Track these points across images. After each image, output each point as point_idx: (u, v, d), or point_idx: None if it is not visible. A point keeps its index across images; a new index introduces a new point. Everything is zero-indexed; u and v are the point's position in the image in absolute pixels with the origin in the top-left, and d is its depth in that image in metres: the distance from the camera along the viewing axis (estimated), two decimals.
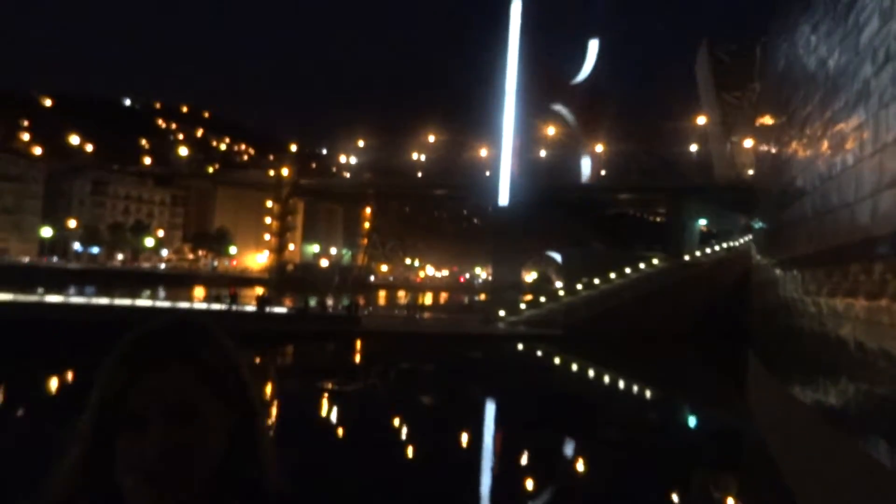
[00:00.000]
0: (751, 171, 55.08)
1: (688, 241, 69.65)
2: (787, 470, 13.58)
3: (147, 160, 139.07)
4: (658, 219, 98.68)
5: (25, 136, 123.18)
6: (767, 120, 23.67)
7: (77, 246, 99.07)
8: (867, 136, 9.50)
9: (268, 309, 36.19)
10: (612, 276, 51.62)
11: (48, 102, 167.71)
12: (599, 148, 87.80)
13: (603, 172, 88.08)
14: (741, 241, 53.20)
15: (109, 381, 1.02)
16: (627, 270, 52.60)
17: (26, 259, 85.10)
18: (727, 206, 68.12)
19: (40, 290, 35.05)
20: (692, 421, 24.07)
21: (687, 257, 57.60)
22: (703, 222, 76.87)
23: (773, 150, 19.94)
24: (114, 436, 0.99)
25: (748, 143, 60.24)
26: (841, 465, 10.19)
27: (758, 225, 26.71)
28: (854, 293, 9.35)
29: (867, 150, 9.46)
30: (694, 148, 78.18)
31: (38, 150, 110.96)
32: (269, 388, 24.27)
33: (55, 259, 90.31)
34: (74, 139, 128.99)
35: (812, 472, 11.87)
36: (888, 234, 8.36)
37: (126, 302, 35.38)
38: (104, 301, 35.13)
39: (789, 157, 15.45)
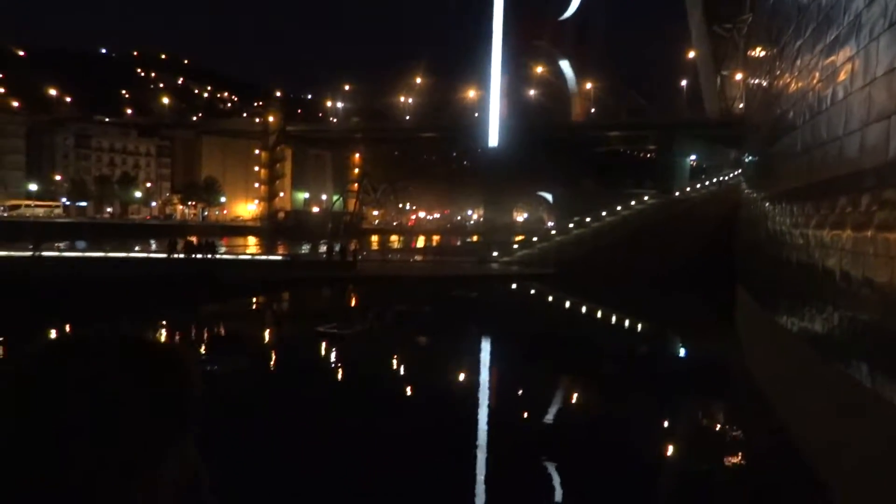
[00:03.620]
0: (741, 106, 54.76)
1: (678, 177, 69.86)
2: (774, 396, 14.21)
3: (128, 111, 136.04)
4: (649, 156, 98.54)
5: (1, 90, 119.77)
6: (758, 53, 23.48)
7: (64, 200, 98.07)
8: (857, 69, 9.58)
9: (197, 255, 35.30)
10: (604, 214, 51.94)
11: (21, 53, 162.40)
12: (588, 86, 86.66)
13: (593, 111, 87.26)
14: (731, 175, 53.43)
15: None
16: (618, 208, 52.90)
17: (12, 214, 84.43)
18: (718, 141, 68.08)
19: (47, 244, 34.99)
20: (681, 352, 24.85)
21: (677, 193, 57.89)
22: (693, 158, 76.92)
23: (764, 84, 19.91)
24: None
25: (739, 76, 59.67)
26: (825, 389, 10.72)
27: (748, 159, 26.86)
28: (841, 225, 9.63)
29: (857, 84, 9.56)
30: (684, 83, 77.35)
31: (15, 104, 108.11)
32: (267, 334, 24.79)
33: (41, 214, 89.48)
34: (52, 91, 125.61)
35: (797, 397, 12.46)
36: (876, 167, 8.57)
37: (120, 254, 35.45)
38: (98, 254, 35.19)
39: (780, 91, 15.48)
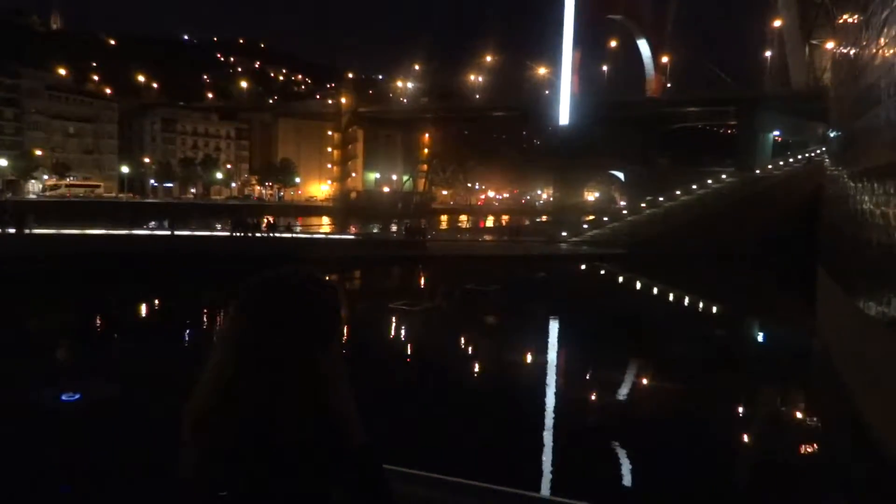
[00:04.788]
0: (830, 77, 51.60)
1: (759, 154, 66.68)
2: (851, 382, 13.74)
3: (209, 95, 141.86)
4: (728, 131, 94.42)
5: (95, 78, 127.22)
6: (847, 20, 22.16)
7: (152, 182, 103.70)
8: None
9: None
10: (678, 193, 50.48)
11: (112, 42, 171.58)
12: (665, 60, 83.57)
13: (669, 85, 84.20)
14: (817, 152, 50.64)
15: (243, 334, 1.22)
16: (693, 187, 51.29)
17: (111, 195, 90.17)
18: (804, 116, 64.34)
19: (152, 223, 37.93)
20: (758, 336, 24.13)
21: (757, 171, 55.45)
22: (776, 134, 73.14)
23: (850, 54, 18.85)
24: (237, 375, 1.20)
25: (829, 45, 56.11)
26: None
27: (832, 135, 25.50)
28: None
29: None
30: (768, 54, 73.30)
31: (108, 91, 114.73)
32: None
33: (133, 196, 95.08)
34: (140, 78, 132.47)
35: (876, 383, 12.02)
36: None
37: (204, 233, 37.48)
38: (185, 233, 37.32)
39: (865, 62, 14.68)
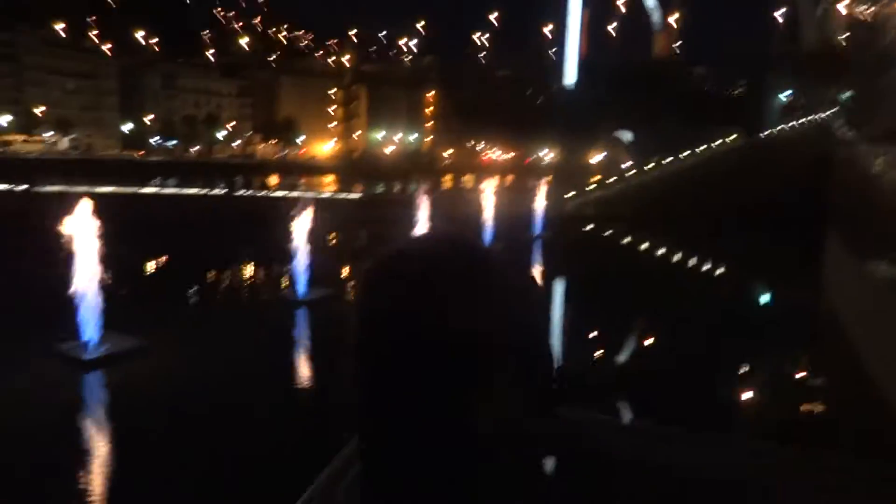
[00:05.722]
0: (843, 38, 50.73)
1: (768, 116, 66.04)
2: (858, 340, 13.95)
3: (210, 52, 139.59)
4: (735, 93, 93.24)
5: (94, 34, 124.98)
6: None
7: (155, 140, 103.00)
8: None
9: None
10: (684, 154, 50.18)
11: None
12: (673, 19, 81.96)
13: (677, 45, 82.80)
14: (828, 113, 50.13)
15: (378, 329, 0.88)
16: (700, 149, 50.95)
17: (114, 153, 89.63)
18: (815, 77, 63.40)
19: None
20: (766, 297, 24.33)
21: (766, 133, 54.99)
22: (787, 94, 72.24)
23: (867, 13, 18.51)
24: None
25: (841, 5, 55.00)
26: None
27: (844, 97, 25.24)
28: None
29: None
30: (780, 13, 71.89)
31: (107, 48, 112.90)
32: (347, 269, 25.92)
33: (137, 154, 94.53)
34: (140, 34, 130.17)
35: (881, 342, 12.22)
36: None
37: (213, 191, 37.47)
38: (192, 191, 37.34)
39: (883, 22, 14.44)
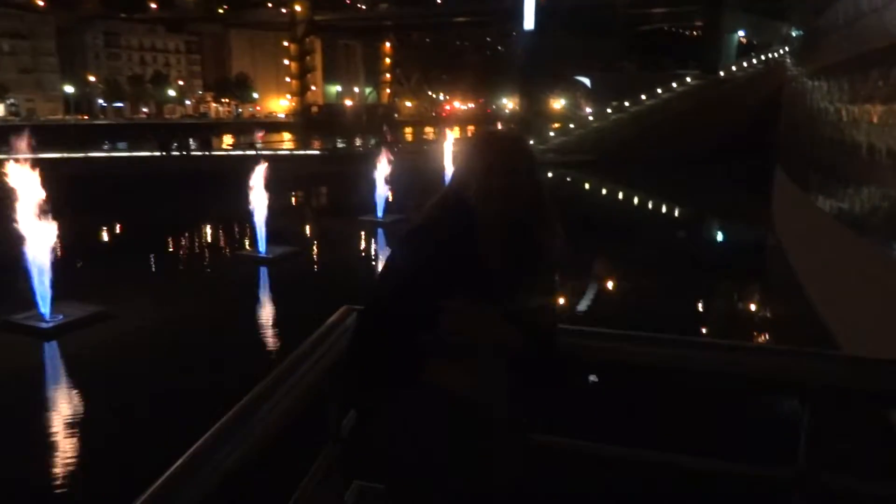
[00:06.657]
0: None
1: (724, 56, 66.36)
2: (804, 272, 14.62)
3: (153, 6, 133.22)
4: (694, 33, 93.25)
5: None
6: None
7: (101, 102, 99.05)
8: None
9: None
10: (644, 98, 50.47)
11: None
12: None
13: None
14: (780, 52, 50.75)
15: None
16: (659, 91, 51.27)
17: (56, 117, 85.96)
18: (769, 15, 63.82)
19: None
20: (717, 234, 25.17)
21: (721, 74, 55.49)
22: (741, 34, 72.60)
23: None
24: None
25: None
26: (854, 264, 11.09)
27: (793, 34, 25.63)
28: (871, 99, 9.58)
29: None
30: None
31: (40, 2, 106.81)
32: (308, 227, 25.88)
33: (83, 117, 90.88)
34: None
35: (827, 273, 12.86)
36: None
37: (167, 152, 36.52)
38: (144, 153, 36.36)
39: None
